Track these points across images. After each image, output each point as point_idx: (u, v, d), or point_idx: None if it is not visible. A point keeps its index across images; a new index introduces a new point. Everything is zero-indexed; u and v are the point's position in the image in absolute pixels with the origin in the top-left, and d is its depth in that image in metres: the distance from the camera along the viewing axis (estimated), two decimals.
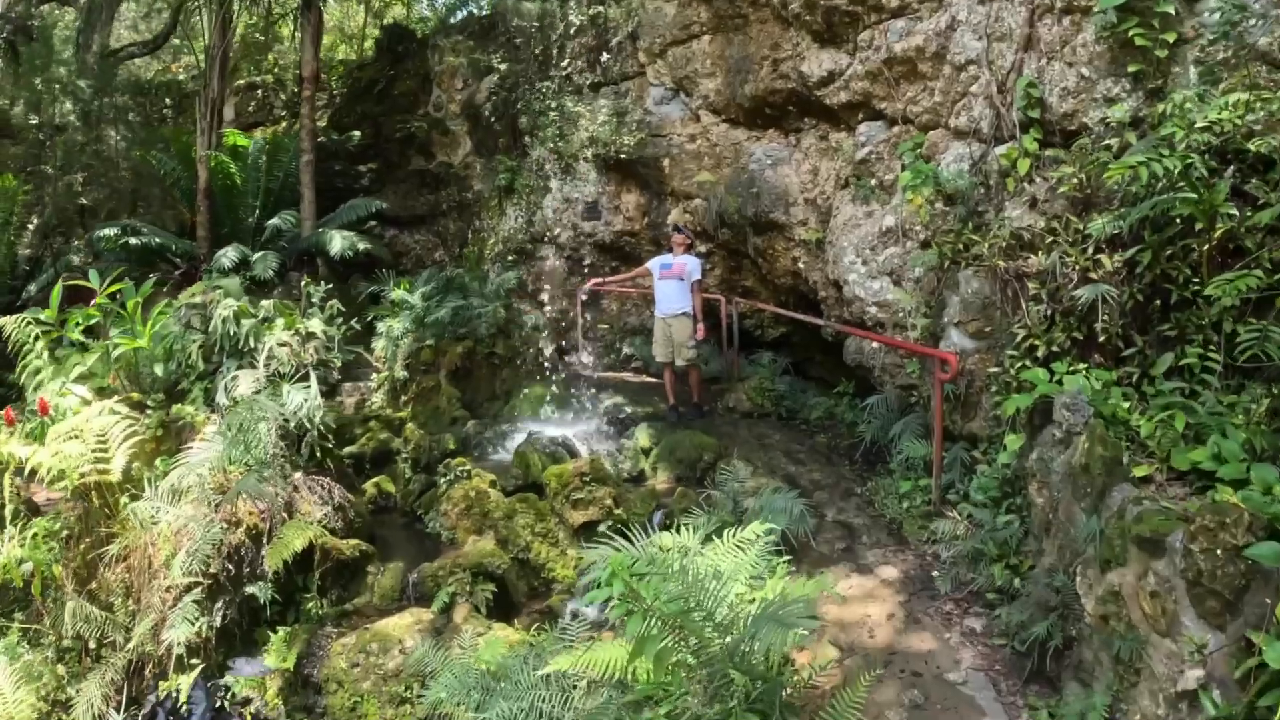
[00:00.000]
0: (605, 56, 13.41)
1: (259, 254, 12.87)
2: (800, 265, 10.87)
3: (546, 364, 12.49)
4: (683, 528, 5.73)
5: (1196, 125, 5.71)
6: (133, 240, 12.90)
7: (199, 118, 14.10)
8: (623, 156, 13.01)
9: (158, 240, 13.08)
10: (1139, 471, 4.70)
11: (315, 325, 9.32)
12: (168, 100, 20.20)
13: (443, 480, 9.31)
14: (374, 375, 12.66)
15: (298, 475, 8.66)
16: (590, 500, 8.30)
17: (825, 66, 9.76)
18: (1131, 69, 6.71)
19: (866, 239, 8.94)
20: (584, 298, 13.32)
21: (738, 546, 4.98)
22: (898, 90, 8.90)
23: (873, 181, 9.20)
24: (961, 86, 8.18)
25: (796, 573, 6.50)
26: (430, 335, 12.23)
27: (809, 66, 9.96)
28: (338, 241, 13.10)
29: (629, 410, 11.26)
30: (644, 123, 12.93)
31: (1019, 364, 6.45)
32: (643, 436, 10.10)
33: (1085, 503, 4.66)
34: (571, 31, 14.10)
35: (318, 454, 8.96)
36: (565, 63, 14.18)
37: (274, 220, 12.91)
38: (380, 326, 12.60)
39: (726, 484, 7.59)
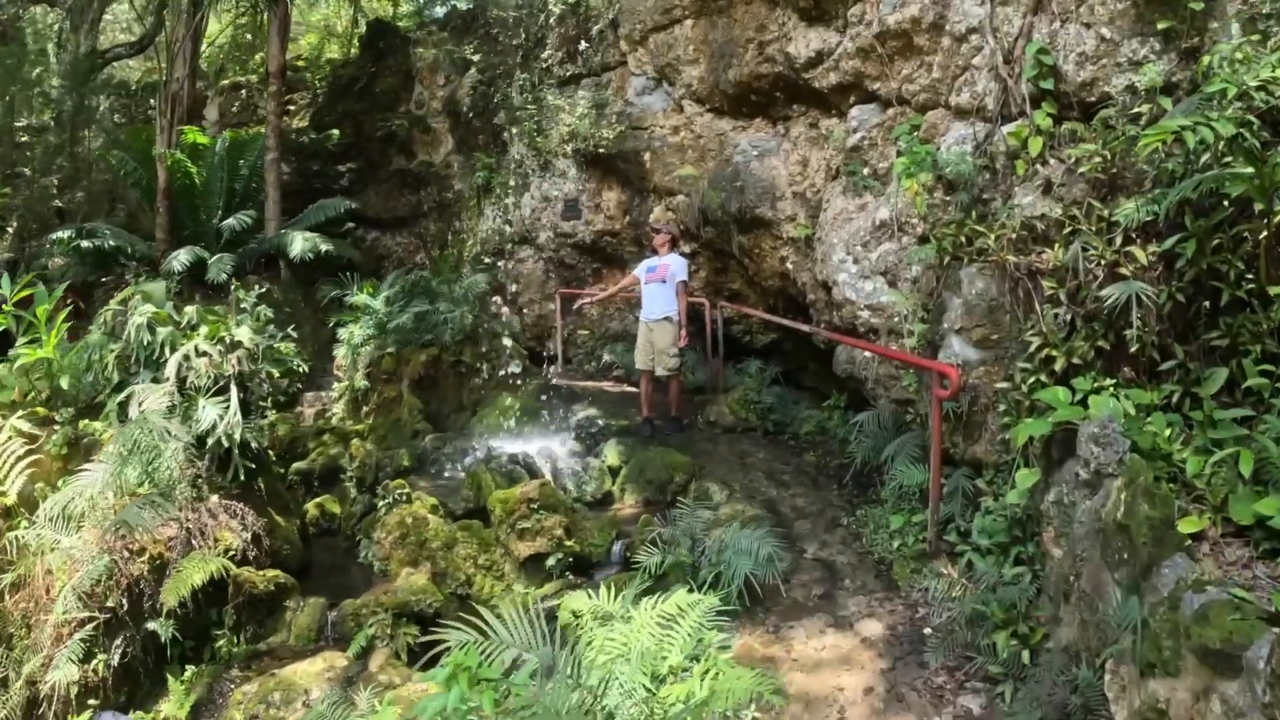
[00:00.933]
0: (584, 45, 12.24)
1: (215, 257, 11.75)
2: (789, 265, 9.66)
3: (519, 373, 11.31)
4: (603, 586, 4.51)
5: (1249, 85, 4.49)
6: (84, 243, 11.82)
7: (158, 115, 13.01)
8: (601, 151, 11.86)
9: (111, 243, 11.98)
10: (1187, 526, 3.49)
11: (242, 333, 8.17)
12: (152, 101, 19.15)
13: (381, 503, 8.18)
14: (335, 385, 11.53)
15: (214, 499, 7.55)
16: (538, 530, 7.13)
17: (813, 46, 8.57)
18: (1161, 26, 5.51)
19: (858, 235, 7.72)
20: (575, 310, 12.21)
21: (664, 620, 3.76)
22: (892, 68, 7.69)
23: (865, 170, 7.98)
24: (963, 60, 6.98)
25: (759, 629, 5.29)
26: (392, 342, 11.08)
27: (796, 47, 8.77)
28: (298, 243, 11.97)
29: (601, 424, 10.08)
30: (624, 114, 11.76)
31: (1032, 379, 5.23)
32: (611, 454, 8.93)
33: (1121, 573, 3.43)
34: (551, 21, 12.96)
35: (241, 474, 7.80)
36: (545, 54, 13.04)
37: (229, 220, 11.78)
38: (342, 333, 11.47)
39: (683, 519, 6.36)
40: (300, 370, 11.96)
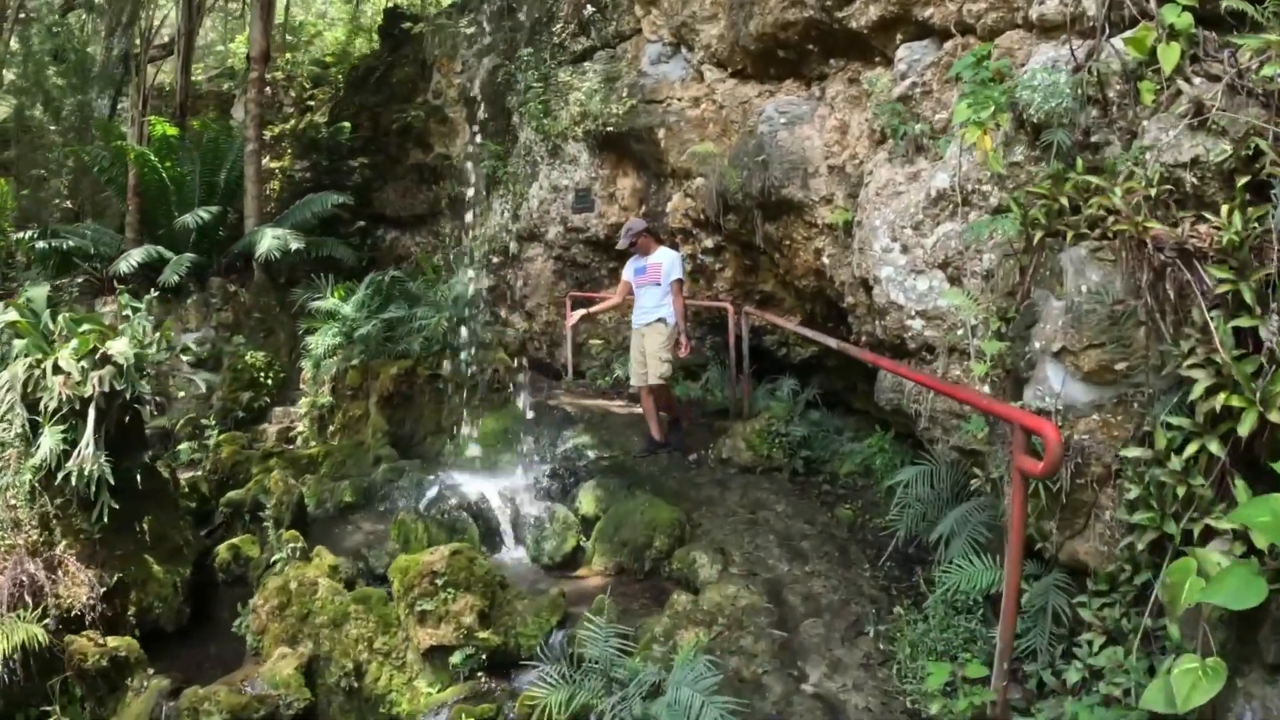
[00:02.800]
0: (592, 10, 10.02)
1: (174, 257, 9.85)
2: (824, 260, 7.27)
3: (509, 389, 9.11)
4: None
5: None
6: (39, 244, 10.06)
7: (131, 106, 11.24)
8: (610, 130, 9.62)
9: (70, 244, 10.19)
10: None
11: (117, 346, 6.16)
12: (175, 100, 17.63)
13: (277, 558, 6.10)
14: (304, 400, 9.52)
15: (62, 546, 5.67)
16: (443, 614, 4.91)
17: None
18: None
19: (908, 212, 5.32)
20: (568, 329, 10.04)
21: None
22: None
23: (917, 127, 5.56)
24: None
25: None
26: (358, 353, 9.02)
27: None
28: (265, 241, 9.99)
29: (591, 455, 7.81)
30: (637, 86, 9.51)
31: (1194, 447, 2.78)
32: (587, 500, 6.67)
33: None
34: None
35: (105, 515, 5.81)
36: (558, 27, 10.86)
37: (184, 218, 9.89)
38: (310, 341, 9.46)
39: (595, 645, 4.03)
40: (267, 383, 10.02)
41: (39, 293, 7.13)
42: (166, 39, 20.14)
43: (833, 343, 5.60)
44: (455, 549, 5.30)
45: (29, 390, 5.99)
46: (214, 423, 9.21)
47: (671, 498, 6.65)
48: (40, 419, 5.83)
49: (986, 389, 4.37)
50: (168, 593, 6.22)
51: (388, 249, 15.00)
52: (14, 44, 16.12)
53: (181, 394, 9.98)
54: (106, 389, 5.94)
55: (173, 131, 10.54)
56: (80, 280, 10.19)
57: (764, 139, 7.54)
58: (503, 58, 11.63)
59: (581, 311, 8.23)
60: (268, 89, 17.58)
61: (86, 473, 5.72)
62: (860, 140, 6.70)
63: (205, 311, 10.08)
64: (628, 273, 7.89)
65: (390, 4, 15.74)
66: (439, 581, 5.05)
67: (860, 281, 5.89)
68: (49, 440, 5.61)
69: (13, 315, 6.36)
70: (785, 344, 9.29)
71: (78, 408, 5.96)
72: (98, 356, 6.18)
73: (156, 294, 10.01)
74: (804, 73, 7.66)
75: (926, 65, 5.65)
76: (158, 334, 6.56)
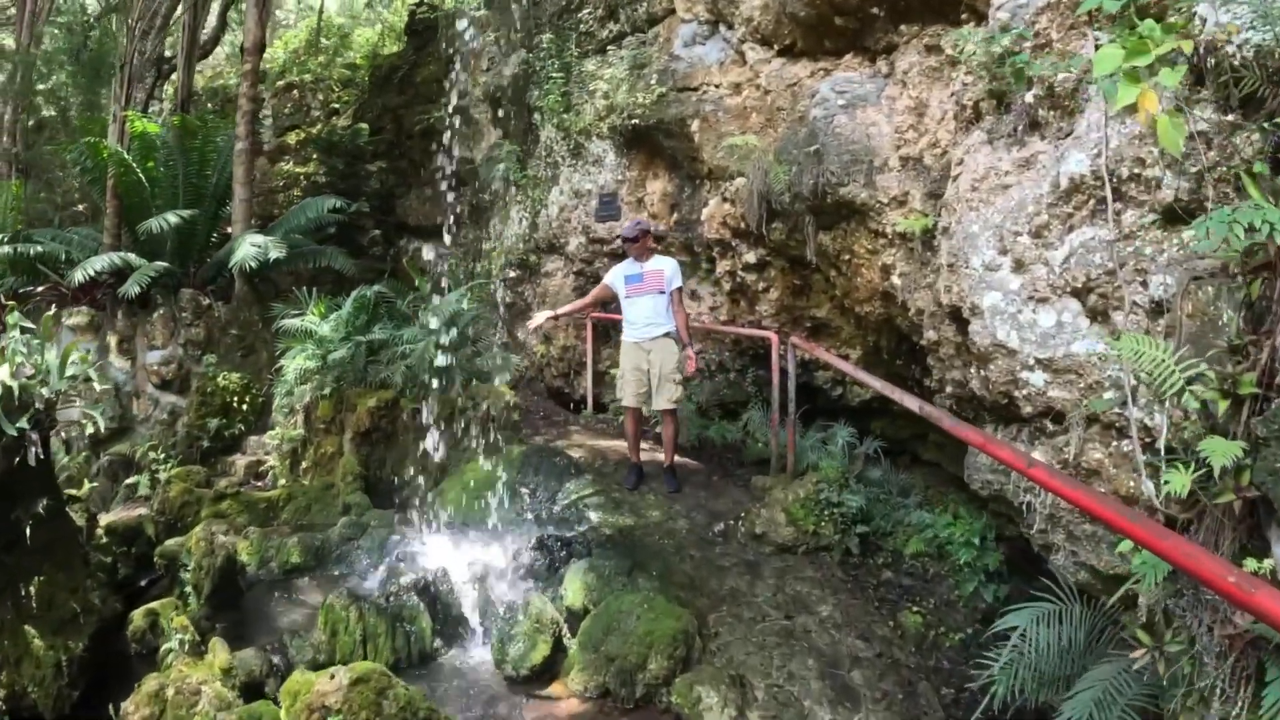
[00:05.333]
0: None
1: (141, 266, 8.49)
2: (894, 281, 5.56)
3: (506, 427, 7.51)
4: None
5: None
6: (4, 250, 8.80)
7: (112, 100, 9.99)
8: (636, 123, 8.02)
9: (37, 249, 8.93)
10: None
11: None
12: (209, 105, 16.56)
13: (167, 648, 4.67)
14: (273, 432, 8.06)
15: None
16: None
17: None
18: None
19: (1022, 213, 3.61)
20: (534, 338, 8.53)
21: None
22: None
23: (1029, 94, 3.83)
24: None
25: None
26: (331, 381, 7.53)
27: None
28: (242, 249, 8.55)
29: (594, 518, 6.20)
30: (668, 73, 7.90)
31: None
32: (574, 587, 5.04)
33: None
34: None
35: None
36: (585, 11, 9.33)
37: (149, 222, 8.53)
38: (285, 364, 8.00)
39: None
40: (241, 408, 8.59)
41: None
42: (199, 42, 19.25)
43: (913, 404, 3.83)
44: (359, 676, 3.70)
45: None
46: (164, 455, 7.81)
47: (684, 588, 4.99)
48: None
49: (1143, 488, 2.65)
50: (46, 674, 4.90)
51: (410, 259, 13.60)
52: (46, 43, 15.23)
53: (145, 419, 8.64)
54: None
55: (153, 129, 9.25)
56: (40, 290, 8.92)
57: (817, 125, 5.85)
58: (522, 45, 10.15)
59: (548, 314, 6.72)
60: (294, 92, 16.48)
61: None
62: (943, 122, 4.99)
63: (174, 327, 8.71)
64: (614, 278, 6.56)
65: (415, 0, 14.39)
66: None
67: (948, 311, 4.17)
68: None
69: None
70: (842, 382, 7.56)
71: None
72: None
73: (122, 306, 8.82)
74: (867, 44, 5.96)
75: (1040, 7, 3.92)
76: (49, 360, 5.13)
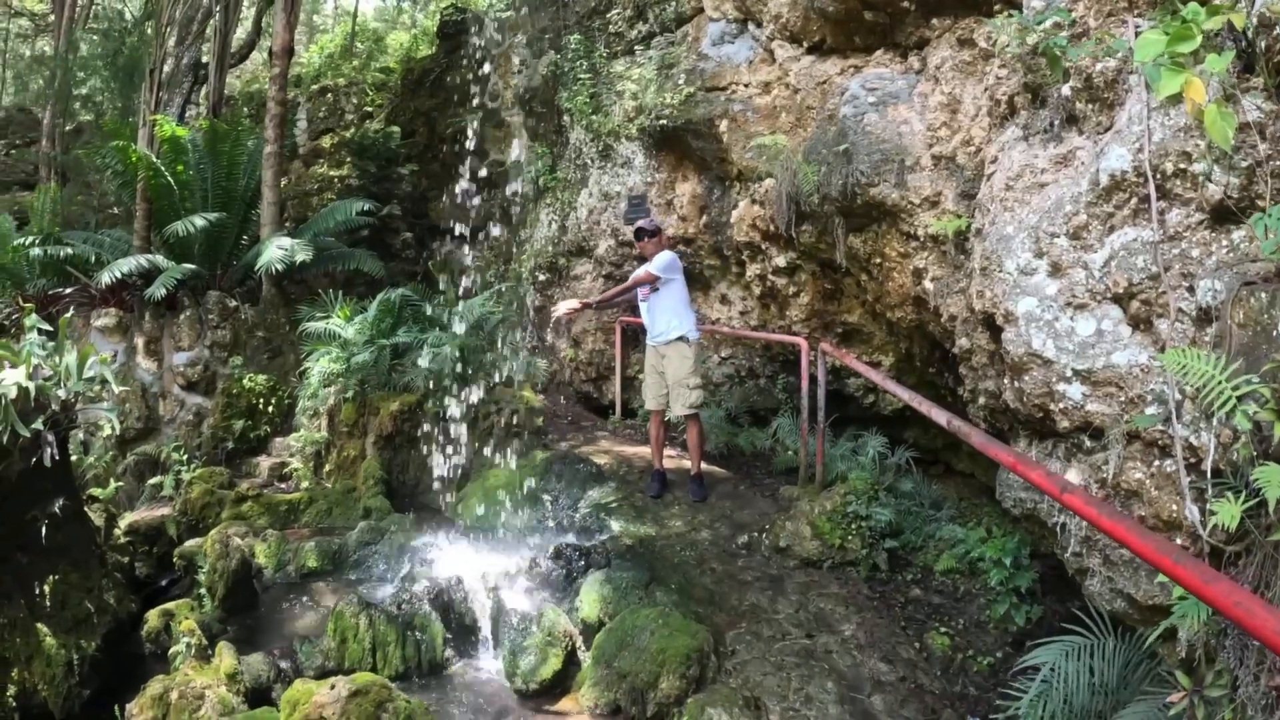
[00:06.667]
0: None
1: (168, 268, 8.49)
2: (926, 285, 5.33)
3: (530, 434, 7.37)
4: None
5: None
6: (34, 252, 8.86)
7: (142, 104, 10.03)
8: (664, 124, 7.86)
9: (67, 251, 8.98)
10: None
11: (11, 378, 4.72)
12: (245, 110, 16.69)
13: (174, 651, 4.60)
14: (296, 434, 8.01)
15: None
16: None
17: None
18: None
19: (1060, 212, 3.39)
20: (561, 328, 8.40)
21: None
22: None
23: (1066, 87, 3.60)
24: None
25: None
26: (354, 384, 7.45)
27: None
28: (268, 252, 8.52)
29: (615, 527, 6.06)
30: (696, 72, 7.73)
31: None
32: (589, 599, 4.88)
33: None
34: None
35: None
36: (613, 12, 9.20)
37: (175, 225, 8.51)
38: (310, 367, 7.95)
39: None
40: (267, 411, 8.57)
41: None
42: (233, 47, 19.47)
43: (941, 418, 3.60)
44: (359, 688, 3.58)
45: None
46: (188, 456, 7.79)
47: (703, 603, 4.80)
48: None
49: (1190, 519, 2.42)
50: (57, 672, 4.86)
51: (441, 263, 13.58)
52: (83, 50, 15.43)
53: (171, 419, 8.65)
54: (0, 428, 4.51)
55: (182, 132, 9.27)
56: (69, 291, 8.95)
57: (847, 124, 5.65)
58: (551, 47, 10.04)
59: (575, 302, 6.55)
60: (328, 96, 16.55)
61: None
62: (977, 119, 4.76)
63: (200, 329, 8.71)
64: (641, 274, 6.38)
65: (447, 3, 14.36)
66: None
67: (981, 318, 3.95)
68: None
69: None
70: (873, 390, 7.35)
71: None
72: None
73: (150, 308, 8.83)
74: (898, 39, 5.74)
75: None
76: (68, 361, 5.09)
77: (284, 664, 4.64)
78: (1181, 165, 2.85)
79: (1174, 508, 2.75)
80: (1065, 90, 3.59)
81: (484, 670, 4.77)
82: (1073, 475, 3.21)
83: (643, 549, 5.64)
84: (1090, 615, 3.30)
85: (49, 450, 5.04)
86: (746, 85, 7.27)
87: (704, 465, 6.87)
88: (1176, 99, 2.47)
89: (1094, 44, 3.41)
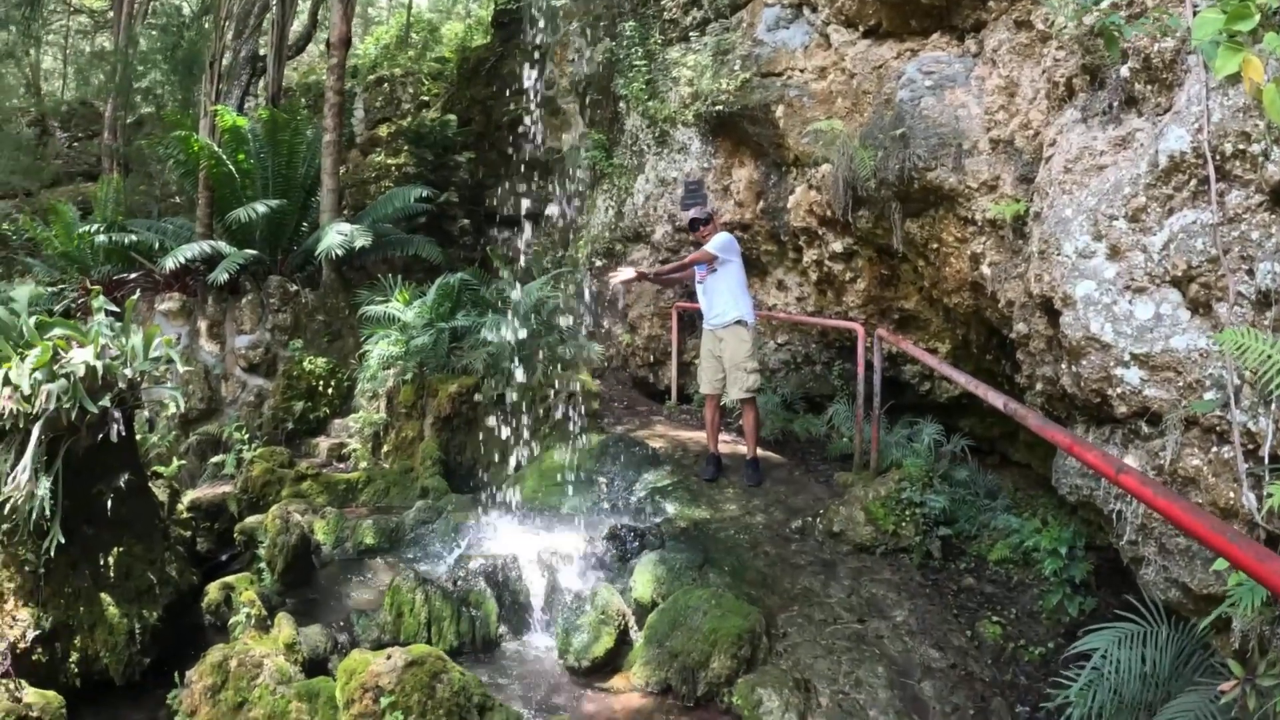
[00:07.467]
0: None
1: (229, 254, 8.80)
2: (984, 270, 5.30)
3: (582, 416, 7.49)
4: None
5: None
6: (99, 239, 9.24)
7: (204, 96, 10.34)
8: (720, 109, 7.89)
9: (130, 239, 9.34)
10: None
11: (80, 357, 4.98)
12: (303, 101, 17.07)
13: (235, 621, 4.80)
14: (355, 415, 8.25)
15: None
16: None
17: None
18: None
19: (1119, 195, 3.37)
20: (620, 297, 8.39)
21: None
22: None
23: (1125, 68, 3.56)
24: None
25: None
26: (413, 367, 7.65)
27: None
28: (328, 238, 8.78)
29: (670, 510, 6.17)
30: (751, 58, 7.74)
31: None
32: (643, 579, 4.98)
33: None
34: None
35: (52, 548, 4.73)
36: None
37: (238, 212, 8.82)
38: (369, 349, 8.18)
39: None
40: (327, 393, 8.84)
41: (22, 293, 6.09)
42: (290, 39, 19.88)
43: (998, 401, 3.61)
44: (414, 659, 3.72)
45: None
46: (249, 436, 8.07)
47: (755, 586, 4.87)
48: None
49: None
50: (119, 640, 5.02)
51: (496, 248, 13.80)
52: (143, 45, 15.89)
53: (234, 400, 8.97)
54: (68, 405, 4.76)
55: (241, 122, 9.58)
56: (133, 277, 9.33)
57: (903, 108, 5.63)
58: (606, 35, 10.12)
59: (633, 271, 6.57)
60: (385, 86, 16.84)
61: (20, 500, 4.60)
62: (1035, 102, 4.71)
63: (261, 313, 9.01)
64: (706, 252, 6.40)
65: None
66: (383, 703, 3.53)
67: (1039, 302, 3.94)
68: None
69: None
70: (930, 377, 7.32)
71: (22, 424, 4.83)
72: (51, 371, 5.01)
73: (212, 292, 9.15)
74: (954, 22, 5.70)
75: None
76: (134, 342, 5.33)
77: (341, 636, 4.83)
78: (1240, 146, 2.82)
79: (1231, 494, 2.74)
80: (1123, 71, 3.56)
81: (536, 647, 4.91)
82: (1130, 462, 3.21)
83: (697, 531, 5.73)
84: (1143, 608, 3.28)
85: (115, 427, 5.27)
86: (802, 70, 7.27)
87: (759, 450, 6.91)
88: (1235, 78, 2.46)
89: (1151, 22, 3.38)
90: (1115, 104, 3.60)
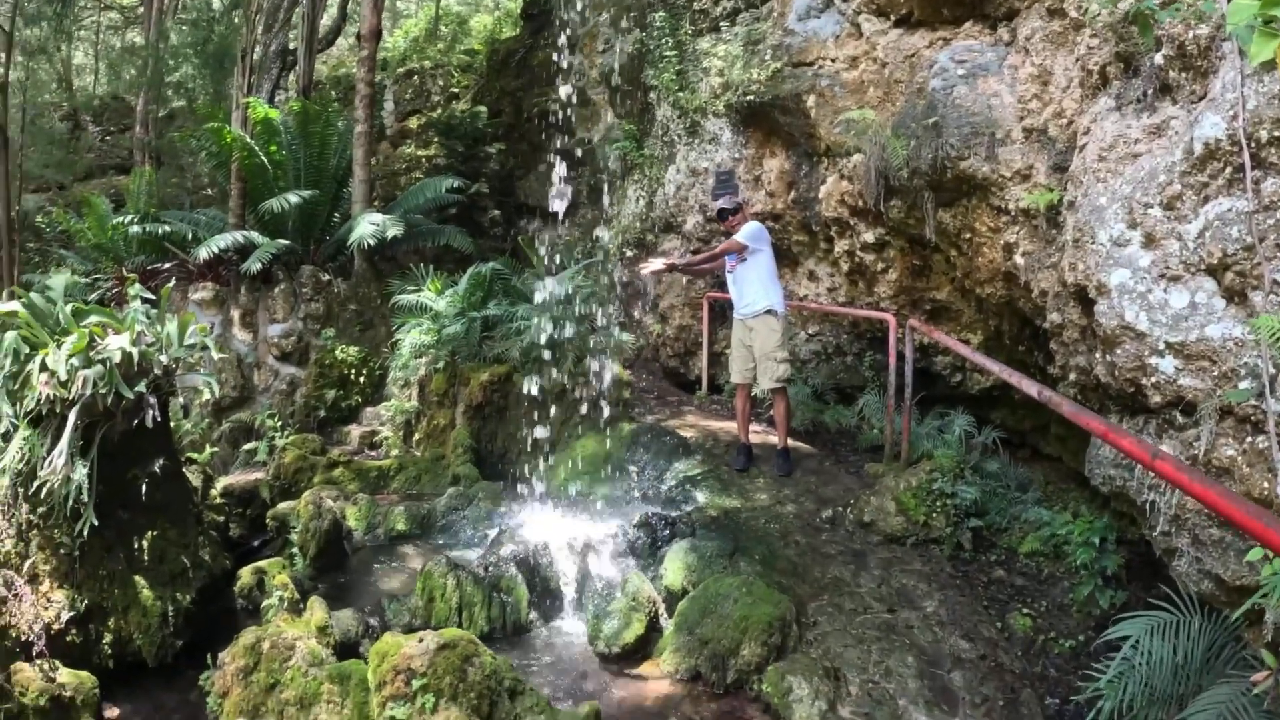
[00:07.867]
0: None
1: (262, 243, 8.96)
2: (1017, 260, 5.29)
3: (613, 405, 7.55)
4: None
5: None
6: (133, 229, 9.43)
7: (236, 89, 10.51)
8: (751, 99, 7.90)
9: (164, 229, 9.53)
10: None
11: (116, 344, 5.11)
12: (333, 93, 17.26)
13: (267, 605, 4.92)
14: (387, 403, 8.38)
15: (36, 561, 4.80)
16: None
17: None
18: None
19: (1153, 183, 3.36)
20: (650, 288, 8.40)
21: None
22: None
23: (1159, 56, 3.54)
24: None
25: None
26: (445, 355, 7.75)
27: None
28: (360, 228, 8.91)
29: (700, 499, 6.22)
30: (782, 48, 7.73)
31: None
32: (674, 567, 5.04)
33: None
34: None
35: (84, 530, 4.87)
36: None
37: (270, 202, 8.98)
38: (401, 338, 8.29)
39: None
40: (359, 381, 8.97)
41: (58, 281, 6.26)
42: (320, 33, 20.09)
43: (1032, 389, 3.62)
44: (446, 642, 3.79)
45: (16, 388, 5.05)
46: (281, 424, 8.22)
47: (786, 574, 4.91)
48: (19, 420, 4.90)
49: None
50: (152, 622, 5.13)
51: (529, 241, 13.89)
52: (173, 39, 16.09)
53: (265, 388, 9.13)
54: (104, 390, 4.89)
55: (274, 114, 9.73)
56: (167, 266, 9.52)
57: (936, 97, 5.61)
58: (636, 25, 10.15)
59: (664, 261, 6.67)
60: (414, 78, 16.98)
61: (56, 484, 4.74)
62: (1069, 90, 4.68)
63: (294, 302, 9.17)
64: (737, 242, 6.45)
65: None
66: (415, 685, 3.61)
67: (1073, 291, 3.93)
68: (16, 444, 4.63)
69: (13, 306, 5.43)
70: (961, 368, 7.29)
71: (59, 409, 4.97)
72: (90, 356, 5.14)
73: (245, 282, 9.31)
74: (986, 10, 5.66)
75: None
76: (169, 329, 5.45)
77: (372, 620, 4.93)
78: (1276, 133, 2.81)
79: (1265, 485, 2.74)
80: (1158, 59, 3.54)
81: (567, 633, 4.99)
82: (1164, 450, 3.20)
83: (727, 520, 5.78)
84: (1176, 600, 3.28)
85: (150, 412, 5.38)
86: (833, 60, 7.25)
87: (790, 441, 6.93)
88: (1270, 65, 2.45)
89: (1185, 8, 3.36)
90: (1149, 91, 3.58)
